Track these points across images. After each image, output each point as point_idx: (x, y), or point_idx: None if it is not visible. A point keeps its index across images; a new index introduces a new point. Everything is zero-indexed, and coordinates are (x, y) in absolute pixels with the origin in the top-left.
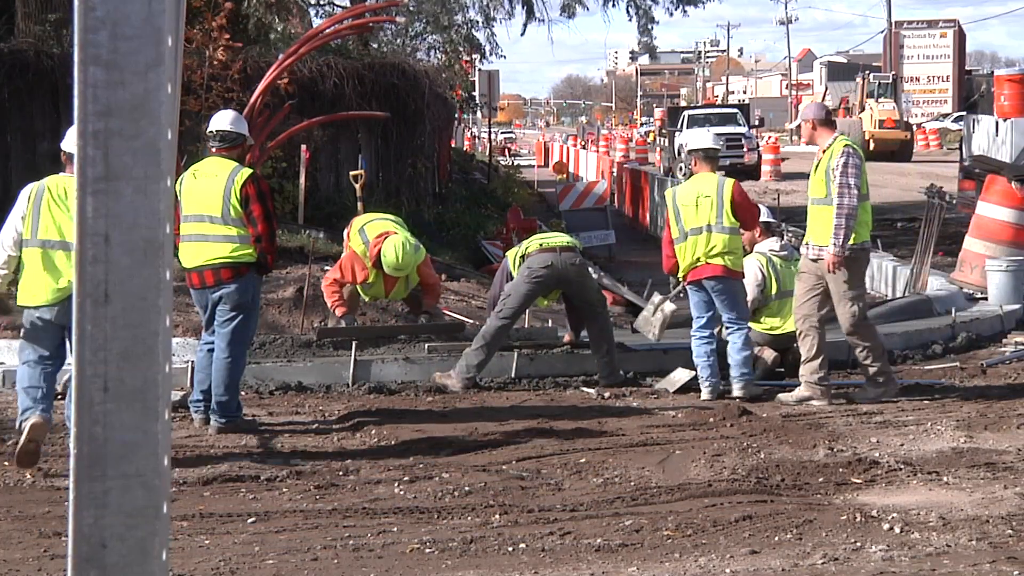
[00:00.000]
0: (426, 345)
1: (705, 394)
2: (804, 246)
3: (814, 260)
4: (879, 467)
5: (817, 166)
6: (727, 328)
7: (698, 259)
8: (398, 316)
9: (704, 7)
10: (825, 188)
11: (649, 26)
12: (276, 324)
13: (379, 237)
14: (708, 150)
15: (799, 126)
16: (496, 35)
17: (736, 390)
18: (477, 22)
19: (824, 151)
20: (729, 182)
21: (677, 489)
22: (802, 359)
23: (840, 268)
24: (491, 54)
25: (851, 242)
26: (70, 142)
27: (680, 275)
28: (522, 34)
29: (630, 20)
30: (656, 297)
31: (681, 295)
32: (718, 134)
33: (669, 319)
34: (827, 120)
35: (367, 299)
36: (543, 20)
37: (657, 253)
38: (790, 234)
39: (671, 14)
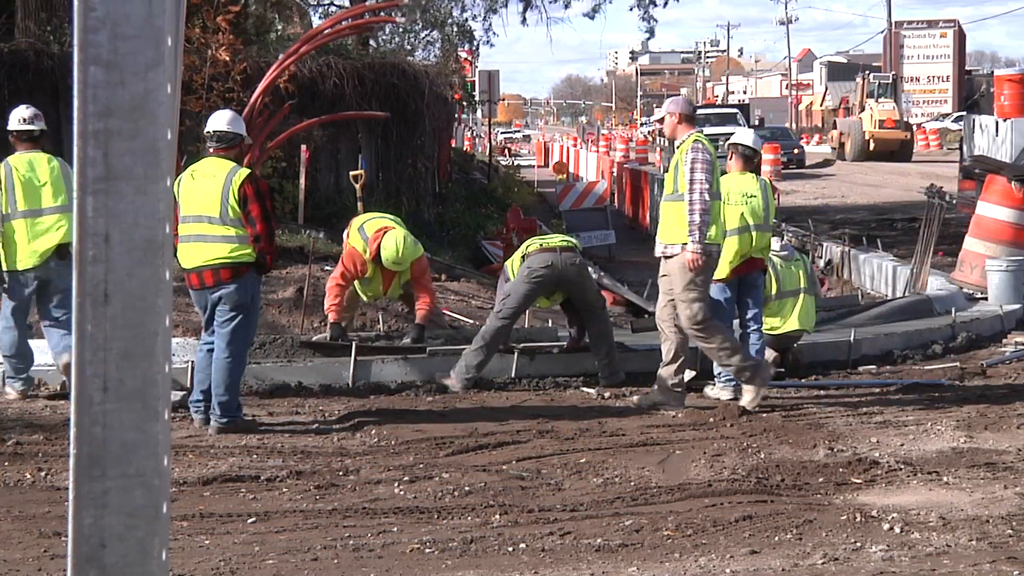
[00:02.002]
0: (428, 349)
1: (727, 393)
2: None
3: (665, 258)
4: (879, 467)
5: (673, 162)
6: (747, 326)
7: (744, 255)
8: (398, 316)
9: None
10: (673, 184)
11: (650, 18)
12: (276, 324)
13: (379, 232)
14: (747, 148)
15: (662, 119)
16: (493, 25)
17: None
18: (474, 16)
19: (679, 147)
20: (770, 183)
21: (677, 489)
22: (662, 362)
23: (695, 265)
24: (487, 43)
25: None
26: (15, 121)
27: (722, 274)
28: (523, 21)
29: (630, 10)
30: None
31: None
32: (720, 134)
33: None
34: (690, 116)
35: (366, 299)
36: (540, 6)
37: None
38: (790, 234)
39: (664, 5)
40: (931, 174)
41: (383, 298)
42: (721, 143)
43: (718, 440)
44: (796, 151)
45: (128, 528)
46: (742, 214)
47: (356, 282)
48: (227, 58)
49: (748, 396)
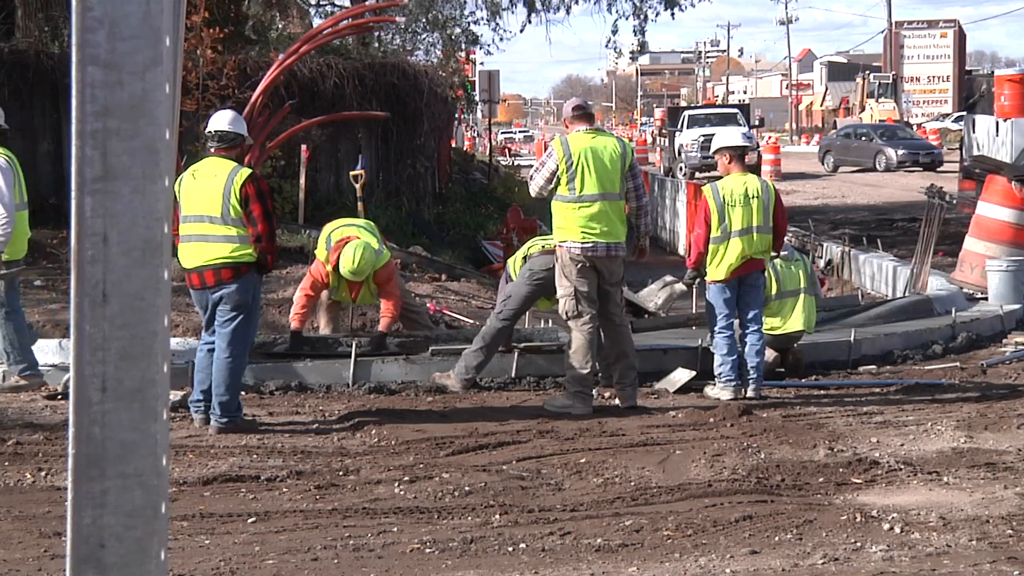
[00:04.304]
0: (430, 348)
1: (727, 394)
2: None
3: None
4: (879, 467)
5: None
6: (747, 327)
7: (745, 257)
8: None
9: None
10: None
11: (643, 25)
12: (276, 324)
13: (340, 242)
14: (740, 148)
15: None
16: (500, 26)
17: (750, 391)
18: (478, 18)
19: None
20: (772, 184)
21: (677, 489)
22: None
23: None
24: (491, 45)
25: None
26: None
27: (721, 276)
28: (521, 30)
29: (620, 18)
30: (668, 277)
31: (695, 288)
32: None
33: (676, 297)
34: (573, 116)
35: (342, 304)
36: (543, 10)
37: (657, 253)
38: (790, 234)
39: (658, 14)
40: (931, 174)
41: (353, 304)
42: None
43: (718, 440)
44: (935, 151)
45: (127, 528)
46: (745, 215)
47: (325, 291)
48: (212, 56)
49: (559, 400)
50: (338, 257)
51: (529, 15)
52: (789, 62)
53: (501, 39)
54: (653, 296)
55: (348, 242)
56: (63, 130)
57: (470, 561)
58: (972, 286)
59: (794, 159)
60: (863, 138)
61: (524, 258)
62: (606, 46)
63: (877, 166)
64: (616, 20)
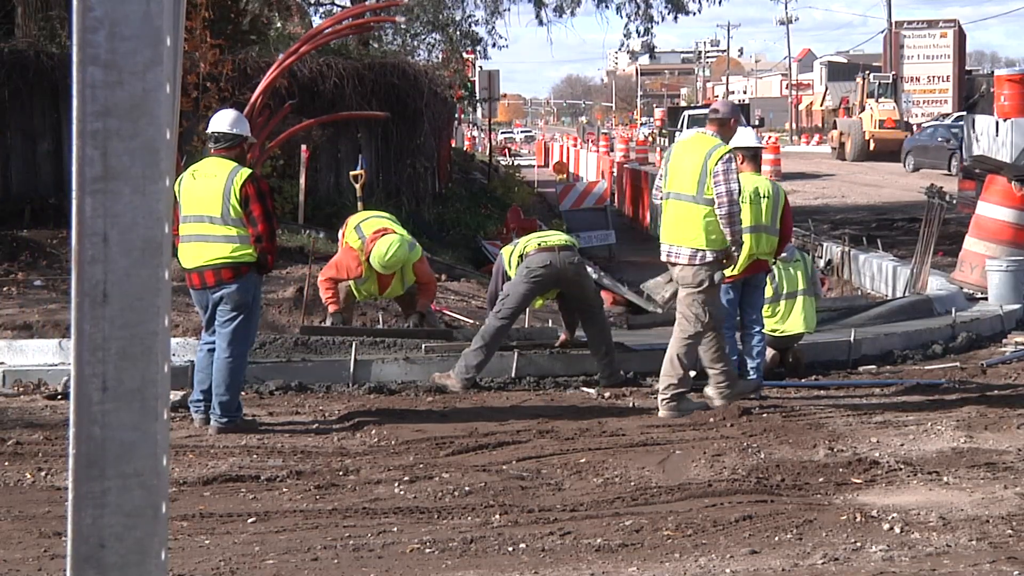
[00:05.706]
0: (423, 345)
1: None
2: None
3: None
4: (879, 467)
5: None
6: (749, 327)
7: (752, 256)
8: (398, 316)
9: (697, 14)
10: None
11: (649, 27)
12: (276, 324)
13: (376, 233)
14: (754, 149)
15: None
16: (497, 30)
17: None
18: (477, 19)
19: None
20: (781, 188)
21: (677, 489)
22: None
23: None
24: (492, 47)
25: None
26: None
27: (727, 274)
28: (539, 23)
29: (630, 21)
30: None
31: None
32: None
33: None
34: (709, 120)
35: (360, 298)
36: (548, 7)
37: (656, 252)
38: None
39: (663, 18)
40: (931, 174)
41: (380, 298)
42: None
43: (718, 440)
44: None
45: (127, 528)
46: (755, 213)
47: (352, 281)
48: (211, 59)
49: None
50: (371, 248)
51: (538, 14)
52: (789, 62)
53: (495, 45)
54: (660, 289)
55: (384, 234)
56: (63, 130)
57: (470, 561)
58: (972, 286)
59: (794, 159)
60: (941, 139)
61: (521, 256)
62: (619, 50)
63: (951, 168)
64: (627, 24)
